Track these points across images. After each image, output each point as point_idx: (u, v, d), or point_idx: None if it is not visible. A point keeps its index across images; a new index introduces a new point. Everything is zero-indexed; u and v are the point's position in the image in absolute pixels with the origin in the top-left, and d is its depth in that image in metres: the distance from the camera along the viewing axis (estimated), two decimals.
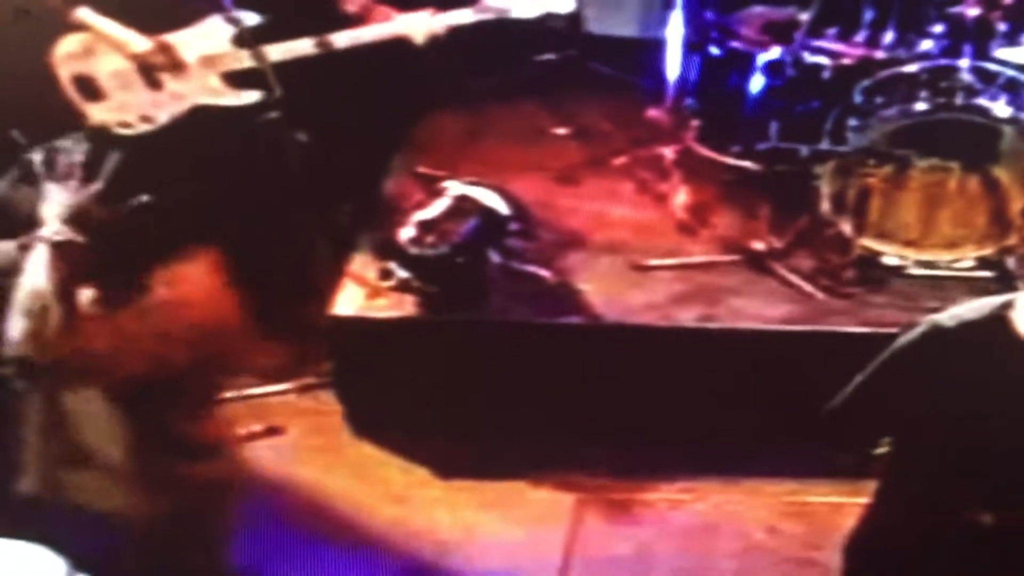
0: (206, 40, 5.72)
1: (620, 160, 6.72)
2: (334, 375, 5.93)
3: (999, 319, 3.55)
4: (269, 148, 5.74)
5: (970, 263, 5.83)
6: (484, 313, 5.84)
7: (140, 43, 5.71)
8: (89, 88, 5.81)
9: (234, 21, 5.62)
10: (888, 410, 3.76)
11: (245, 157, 5.83)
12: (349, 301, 5.88)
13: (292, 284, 5.97)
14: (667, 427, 5.64)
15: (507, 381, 5.71)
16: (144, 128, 5.84)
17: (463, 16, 5.77)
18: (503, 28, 5.84)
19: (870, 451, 3.87)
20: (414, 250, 5.77)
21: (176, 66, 5.72)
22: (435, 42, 5.80)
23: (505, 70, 6.56)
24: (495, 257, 5.92)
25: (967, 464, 3.59)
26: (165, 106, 5.82)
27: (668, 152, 6.60)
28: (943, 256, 5.85)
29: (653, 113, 6.78)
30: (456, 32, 5.82)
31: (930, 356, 3.65)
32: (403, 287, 5.81)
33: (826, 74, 6.15)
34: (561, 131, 6.98)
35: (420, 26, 5.77)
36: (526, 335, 5.81)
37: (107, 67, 5.77)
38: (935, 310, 3.77)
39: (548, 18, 5.86)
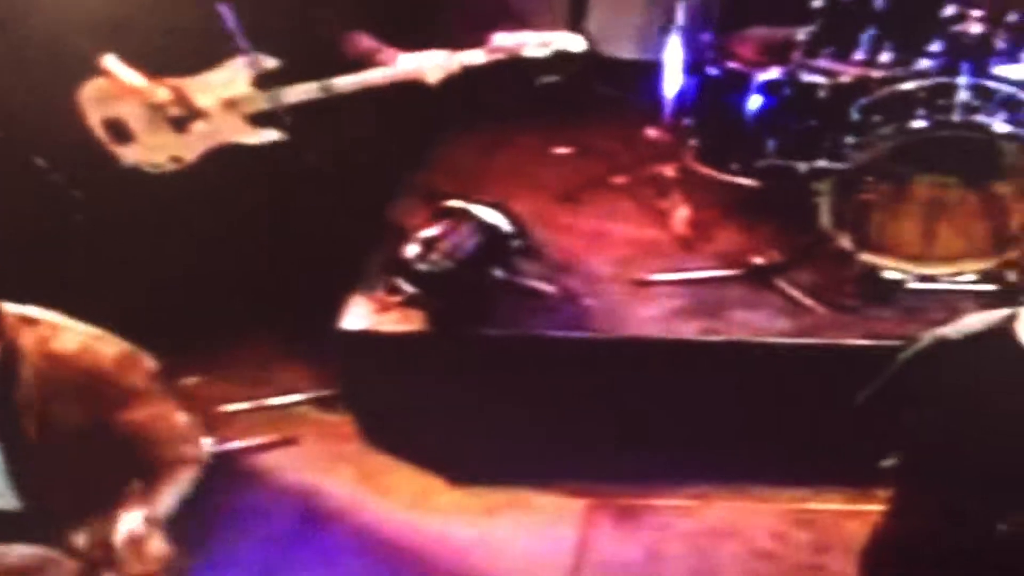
0: (227, 83, 5.81)
1: (621, 179, 6.82)
2: (345, 387, 6.04)
3: (1003, 332, 3.64)
4: (282, 174, 5.86)
5: (971, 277, 5.89)
6: (490, 327, 5.91)
7: (158, 92, 5.80)
8: (119, 130, 5.92)
9: (252, 65, 5.72)
10: (897, 422, 3.85)
11: (261, 184, 5.95)
12: (359, 316, 5.97)
13: (306, 300, 6.04)
14: (674, 436, 5.72)
15: (514, 393, 5.79)
16: (173, 168, 5.94)
17: (476, 56, 5.84)
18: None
19: (878, 463, 3.94)
20: (420, 266, 5.86)
21: (194, 112, 5.82)
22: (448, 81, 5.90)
23: (509, 92, 6.63)
24: (499, 273, 6.01)
25: (979, 473, 3.67)
26: (193, 147, 5.91)
27: (668, 170, 6.68)
28: (944, 270, 5.91)
29: (652, 132, 6.88)
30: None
31: (936, 369, 3.74)
32: (410, 302, 5.90)
33: (823, 93, 6.20)
34: (563, 151, 7.11)
35: (435, 67, 5.83)
36: (531, 349, 5.87)
37: (134, 110, 5.87)
38: (937, 323, 3.83)
39: (559, 55, 5.96)
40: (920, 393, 3.77)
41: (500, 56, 5.83)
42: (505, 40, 5.83)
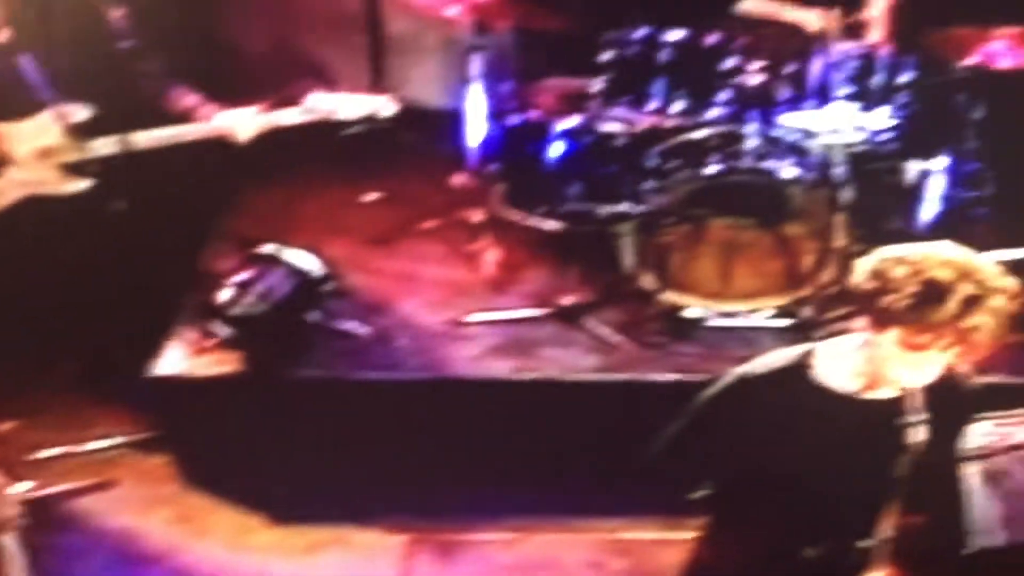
0: (40, 133, 5.78)
1: (430, 223, 6.94)
2: (163, 429, 6.04)
3: (800, 367, 3.76)
4: (89, 219, 5.85)
5: (768, 314, 6.16)
6: (305, 369, 5.99)
7: None
8: None
9: (61, 116, 5.67)
10: (703, 457, 3.97)
11: (71, 231, 5.91)
12: (174, 360, 6.01)
13: (121, 344, 6.05)
14: (492, 471, 5.84)
15: (331, 432, 5.88)
16: None
17: (290, 116, 5.86)
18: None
19: (689, 495, 4.07)
20: (234, 310, 5.91)
21: (5, 160, 5.77)
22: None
23: (319, 139, 6.71)
24: (313, 316, 6.10)
25: (785, 504, 3.81)
26: (4, 194, 5.82)
27: (476, 215, 6.82)
28: (742, 307, 6.17)
29: (458, 179, 7.01)
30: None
31: (738, 405, 3.84)
32: (225, 346, 5.95)
33: (620, 140, 6.39)
34: (372, 197, 7.22)
35: (246, 125, 5.82)
36: (346, 390, 5.98)
37: None
38: (737, 358, 3.99)
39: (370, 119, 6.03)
40: (725, 428, 3.86)
41: (314, 117, 5.91)
42: (319, 102, 5.90)
